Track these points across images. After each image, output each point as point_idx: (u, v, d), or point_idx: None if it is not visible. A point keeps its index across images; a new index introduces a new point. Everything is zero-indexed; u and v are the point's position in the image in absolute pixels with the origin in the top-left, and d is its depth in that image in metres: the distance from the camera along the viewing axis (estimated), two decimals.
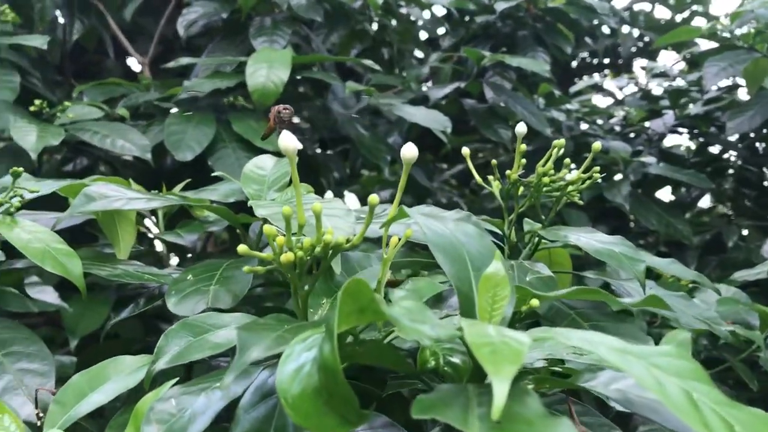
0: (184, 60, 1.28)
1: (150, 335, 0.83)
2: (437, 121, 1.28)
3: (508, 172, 0.70)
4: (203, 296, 0.56)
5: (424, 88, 1.75)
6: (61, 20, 1.58)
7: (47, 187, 0.65)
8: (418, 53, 2.03)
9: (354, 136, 1.29)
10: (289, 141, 0.41)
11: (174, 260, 1.06)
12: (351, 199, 0.94)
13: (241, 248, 0.40)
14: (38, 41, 1.20)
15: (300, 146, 0.43)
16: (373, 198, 0.41)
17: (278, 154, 1.04)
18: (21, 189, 0.60)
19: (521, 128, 0.68)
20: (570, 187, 0.70)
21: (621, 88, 2.40)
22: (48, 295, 0.64)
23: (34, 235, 0.56)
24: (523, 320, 0.45)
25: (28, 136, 1.01)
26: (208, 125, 1.15)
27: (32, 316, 1.00)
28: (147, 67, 1.58)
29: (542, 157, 0.70)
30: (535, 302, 0.39)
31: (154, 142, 1.17)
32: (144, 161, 1.12)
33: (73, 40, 1.54)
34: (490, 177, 0.77)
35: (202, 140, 1.11)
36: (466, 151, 0.77)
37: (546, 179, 0.69)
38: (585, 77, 2.59)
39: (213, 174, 0.74)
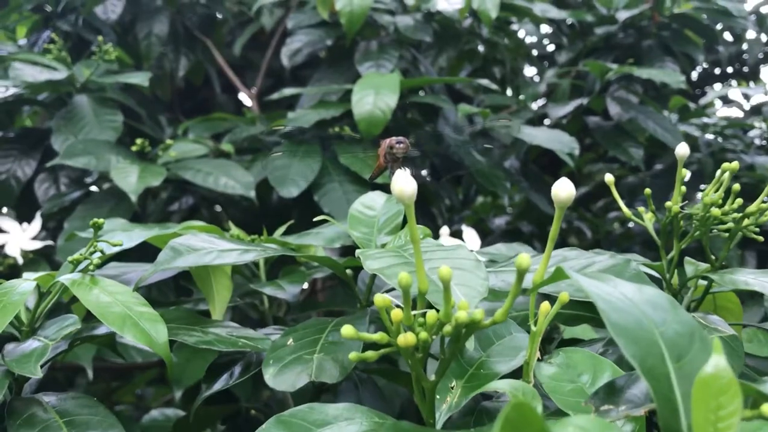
0: (288, 91, 1.22)
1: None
2: (562, 143, 1.15)
3: (668, 203, 0.58)
4: (305, 367, 0.47)
5: (534, 106, 1.63)
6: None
7: (135, 237, 0.58)
8: (528, 71, 1.91)
9: (468, 162, 1.18)
10: (404, 186, 0.32)
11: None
12: (470, 235, 0.83)
13: (346, 330, 0.30)
14: (140, 78, 1.17)
15: (415, 189, 0.33)
16: (524, 260, 0.31)
17: (382, 188, 0.95)
18: (102, 242, 0.53)
19: (682, 150, 0.56)
20: (747, 220, 0.57)
21: (748, 98, 2.19)
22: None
23: (115, 297, 0.48)
24: None
25: (129, 178, 0.96)
26: (314, 158, 1.08)
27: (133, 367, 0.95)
28: (255, 100, 1.54)
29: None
30: (766, 409, 0.27)
31: (258, 178, 1.11)
32: (248, 198, 1.07)
33: (179, 76, 1.53)
34: (641, 209, 0.65)
35: (308, 174, 1.04)
36: (610, 178, 0.65)
37: (716, 211, 0.56)
38: (707, 88, 2.38)
39: (316, 219, 0.65)
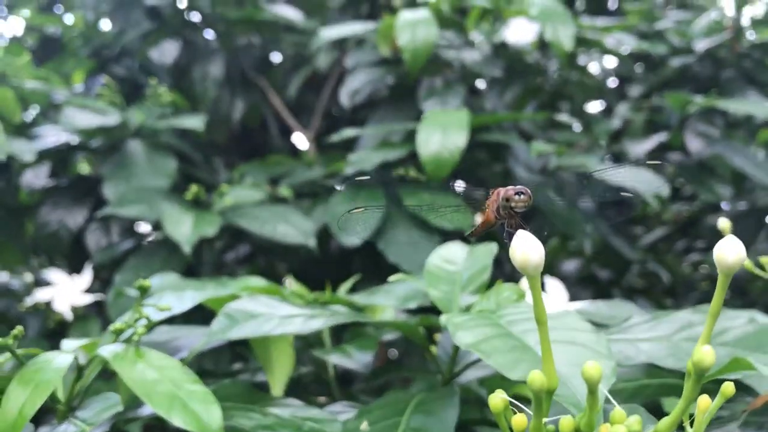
0: (349, 132, 1.15)
1: None
2: (650, 183, 1.05)
3: None
4: None
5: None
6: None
7: (186, 299, 0.52)
8: (591, 106, 1.82)
9: (542, 203, 1.09)
10: (530, 251, 0.24)
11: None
12: (555, 287, 0.74)
13: None
14: (194, 122, 1.13)
15: (543, 255, 0.25)
16: (705, 357, 0.22)
17: (462, 238, 0.87)
18: (149, 306, 0.47)
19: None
20: None
21: None
22: None
23: (162, 373, 0.41)
24: None
25: (182, 227, 0.91)
26: (377, 203, 1.00)
27: None
28: (312, 143, 1.49)
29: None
30: None
31: (318, 224, 1.04)
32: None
33: (235, 119, 1.49)
34: (763, 258, 0.56)
35: (371, 221, 0.97)
36: (725, 223, 0.57)
37: None
38: None
39: (392, 279, 0.57)
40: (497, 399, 0.24)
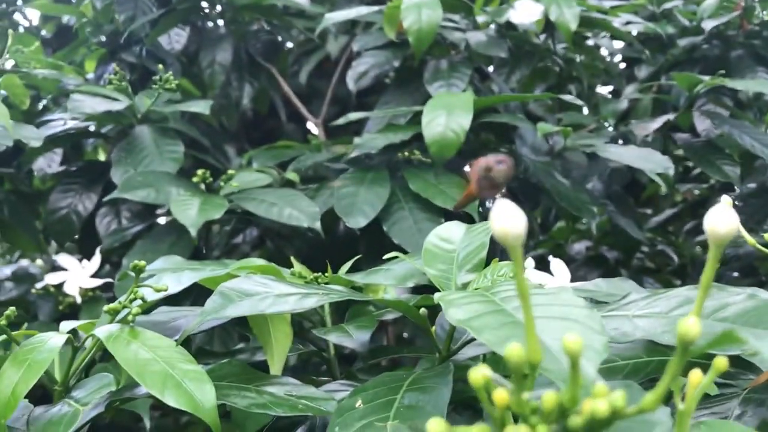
0: (354, 115, 1.15)
1: None
2: (655, 162, 1.05)
3: None
4: None
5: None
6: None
7: (184, 279, 0.52)
8: (601, 88, 1.81)
9: (549, 185, 1.09)
10: (509, 222, 0.24)
11: None
12: (559, 267, 0.74)
13: (434, 427, 0.22)
14: (201, 107, 1.13)
15: (524, 225, 0.25)
16: (690, 328, 0.22)
17: (468, 217, 0.87)
18: (145, 287, 0.47)
19: None
20: None
21: None
22: None
23: (155, 353, 0.42)
24: None
25: (189, 210, 0.91)
26: (382, 185, 1.00)
27: None
28: (321, 128, 1.49)
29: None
30: None
31: (324, 208, 1.04)
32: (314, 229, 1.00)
33: (244, 105, 1.49)
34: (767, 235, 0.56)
35: (376, 203, 0.97)
36: (727, 201, 0.56)
37: None
38: None
39: (387, 256, 0.57)
40: (477, 374, 0.24)
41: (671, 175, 1.06)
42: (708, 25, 1.52)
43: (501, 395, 0.23)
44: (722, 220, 0.26)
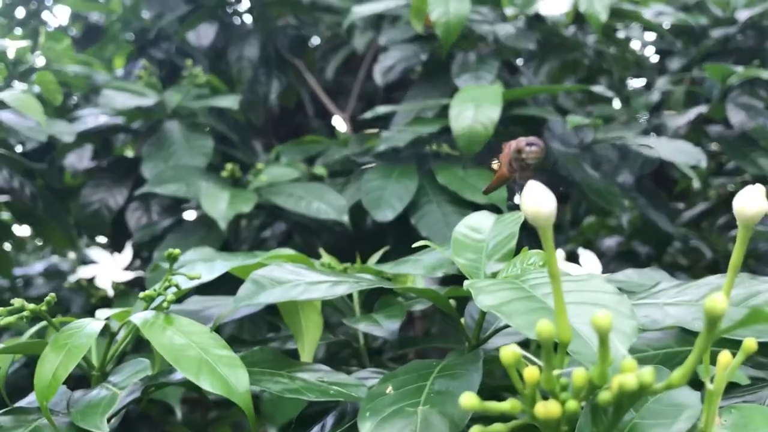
0: (382, 109, 1.15)
1: None
2: (688, 154, 1.04)
3: None
4: (408, 421, 0.40)
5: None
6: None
7: (216, 268, 0.53)
8: (632, 81, 1.79)
9: (579, 177, 1.08)
10: (541, 203, 0.24)
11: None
12: (589, 259, 0.74)
13: (467, 401, 0.23)
14: (229, 102, 1.14)
15: (554, 206, 0.25)
16: (717, 303, 0.22)
17: (495, 209, 0.86)
18: (179, 275, 0.48)
19: None
20: None
21: None
22: None
23: (190, 339, 0.42)
24: None
25: (219, 204, 0.92)
26: (410, 178, 1.00)
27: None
28: (348, 123, 1.49)
29: None
30: None
31: (351, 201, 1.05)
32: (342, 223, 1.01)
33: (271, 100, 1.50)
34: None
35: (404, 196, 0.97)
36: (760, 187, 0.55)
37: None
38: None
39: (415, 245, 0.58)
40: (508, 351, 0.24)
41: (704, 166, 1.04)
42: (742, 15, 1.50)
43: (531, 372, 0.23)
44: (751, 200, 0.25)
